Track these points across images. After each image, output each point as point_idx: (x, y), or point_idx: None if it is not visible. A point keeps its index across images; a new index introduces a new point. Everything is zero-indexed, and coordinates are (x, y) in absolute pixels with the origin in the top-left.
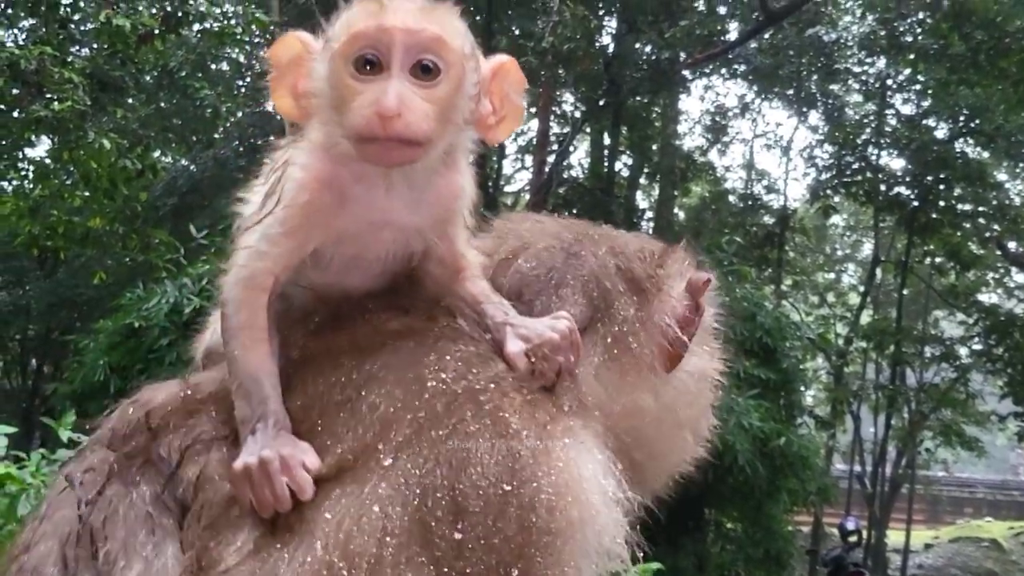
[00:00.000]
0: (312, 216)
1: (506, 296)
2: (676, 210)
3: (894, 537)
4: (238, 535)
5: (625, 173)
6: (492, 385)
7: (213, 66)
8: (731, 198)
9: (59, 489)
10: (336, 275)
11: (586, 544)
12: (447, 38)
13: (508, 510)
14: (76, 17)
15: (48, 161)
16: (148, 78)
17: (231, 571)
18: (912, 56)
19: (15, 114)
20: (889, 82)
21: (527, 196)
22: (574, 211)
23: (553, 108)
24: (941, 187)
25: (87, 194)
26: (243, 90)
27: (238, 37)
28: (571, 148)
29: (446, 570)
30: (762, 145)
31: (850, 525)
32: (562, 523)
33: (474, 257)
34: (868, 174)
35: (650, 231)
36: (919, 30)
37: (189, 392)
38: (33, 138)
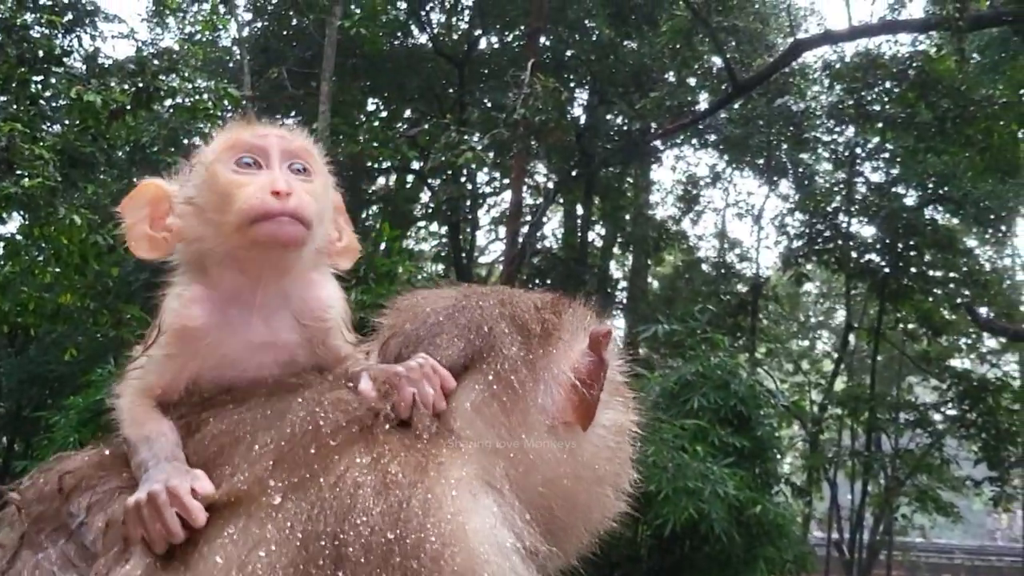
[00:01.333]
0: (188, 339)
1: (388, 360)
2: (649, 279)
3: None
4: (130, 570)
5: (599, 243)
6: (369, 422)
7: (185, 141)
8: (704, 266)
9: None
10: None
11: None
12: (313, 150)
13: (392, 559)
14: (47, 93)
15: (19, 237)
16: (119, 153)
17: None
18: (880, 125)
19: None
20: (858, 150)
21: (500, 267)
22: (548, 281)
23: (526, 179)
24: (911, 254)
25: (58, 270)
26: None
27: (210, 112)
28: (544, 219)
29: None
30: (734, 214)
31: None
32: (447, 573)
33: (353, 351)
34: (839, 241)
35: (624, 300)
36: (886, 99)
37: (103, 454)
38: (3, 215)
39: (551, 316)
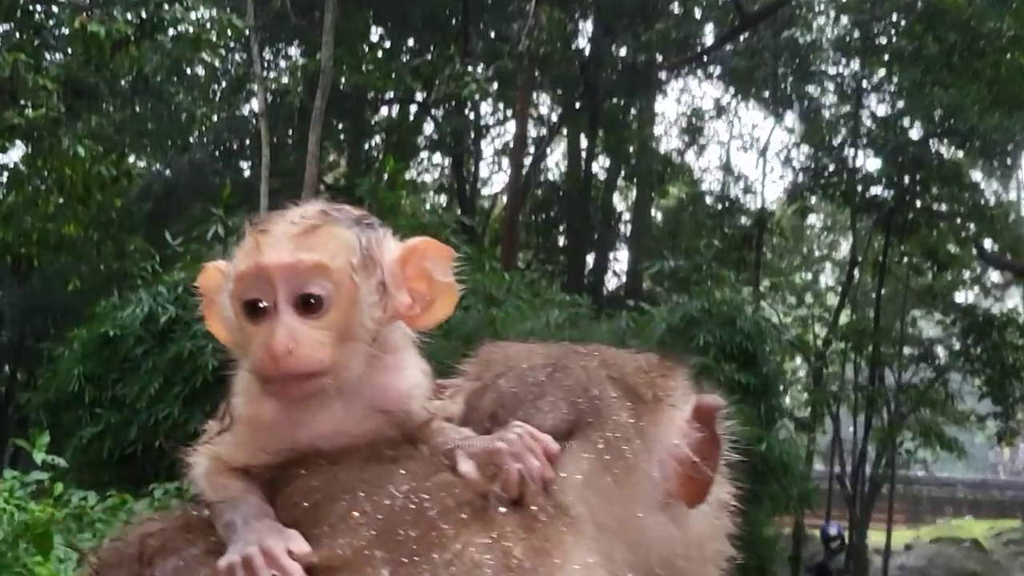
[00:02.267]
0: (260, 430)
1: (481, 420)
2: (653, 212)
3: (875, 538)
4: None
5: (602, 176)
6: (480, 505)
7: (188, 71)
8: (708, 200)
9: None
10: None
11: None
12: (328, 262)
13: None
14: (50, 23)
15: (22, 168)
16: (123, 83)
17: None
18: (886, 57)
19: None
20: (864, 83)
21: (504, 199)
22: (551, 213)
23: (530, 111)
24: (917, 188)
25: (61, 201)
26: (218, 95)
27: (213, 42)
28: (548, 151)
29: None
30: (739, 147)
31: (832, 531)
32: None
33: (437, 415)
34: (844, 175)
35: (627, 233)
36: (893, 32)
37: (189, 516)
38: (6, 145)
39: (661, 380)
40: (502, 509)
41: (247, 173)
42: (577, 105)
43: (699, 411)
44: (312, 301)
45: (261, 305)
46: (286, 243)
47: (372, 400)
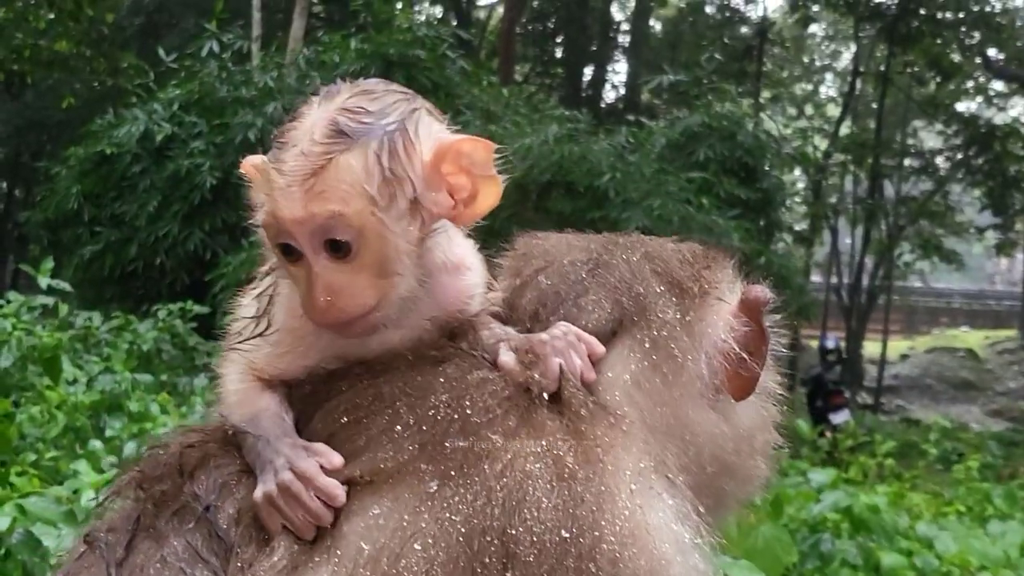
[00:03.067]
0: (303, 338)
1: (522, 319)
2: (652, 22)
3: (870, 348)
4: (274, 554)
5: None
6: (525, 403)
7: None
8: (709, 9)
9: (78, 554)
10: None
11: None
12: (342, 209)
13: (566, 560)
14: None
15: None
16: None
17: None
18: None
19: None
20: None
21: (500, 10)
22: (549, 24)
23: None
24: None
25: (52, 16)
26: None
27: None
28: None
29: None
30: None
31: (830, 344)
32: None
33: (481, 309)
34: None
35: (626, 45)
36: None
37: (226, 430)
38: None
39: (706, 272)
40: (547, 413)
41: None
42: None
43: (746, 304)
44: (339, 246)
45: (293, 246)
46: (298, 191)
47: (428, 312)
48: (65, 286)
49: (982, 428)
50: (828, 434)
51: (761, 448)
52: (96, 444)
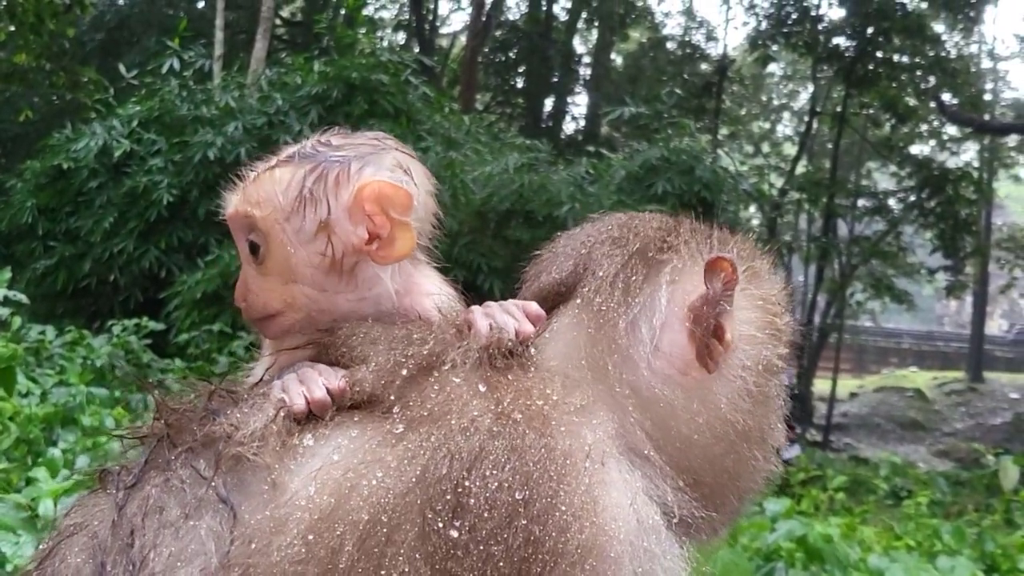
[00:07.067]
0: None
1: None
2: (614, 56)
3: (820, 386)
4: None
5: (563, 17)
6: (475, 357)
7: None
8: (669, 45)
9: (87, 493)
10: None
11: (610, 575)
12: (255, 211)
13: (516, 521)
14: None
15: None
16: None
17: None
18: None
19: None
20: None
21: (463, 39)
22: (511, 54)
23: None
24: (880, 38)
25: (12, 29)
26: None
27: None
28: None
29: (438, 568)
30: None
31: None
32: (572, 546)
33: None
34: (807, 23)
35: (587, 76)
36: None
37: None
38: None
39: (671, 238)
40: (507, 375)
41: (201, 4)
42: None
43: (709, 270)
44: (255, 249)
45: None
46: (239, 193)
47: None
48: (22, 298)
49: (929, 468)
50: (780, 466)
51: (754, 434)
52: (55, 452)
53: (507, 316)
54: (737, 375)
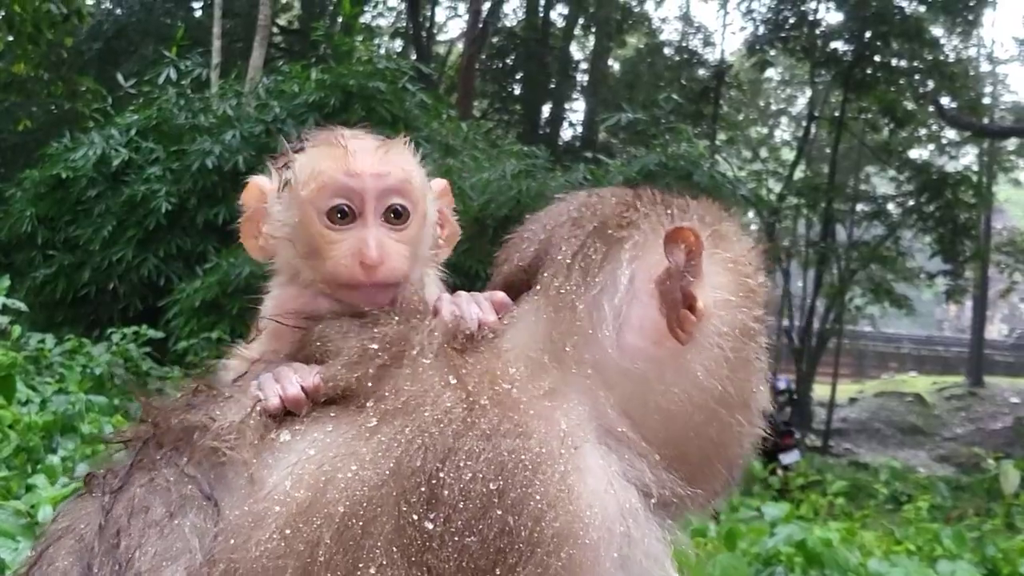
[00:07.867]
0: (283, 338)
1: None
2: (611, 62)
3: (820, 391)
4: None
5: (560, 23)
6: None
7: None
8: (667, 50)
9: (74, 498)
10: None
11: (588, 562)
12: (411, 179)
13: (491, 511)
14: None
15: None
16: None
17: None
18: None
19: None
20: None
21: (460, 46)
22: (508, 61)
23: None
24: (878, 43)
25: (11, 39)
26: None
27: None
28: None
29: (414, 559)
30: None
31: (781, 385)
32: (548, 535)
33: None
34: (805, 28)
35: (584, 83)
36: None
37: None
38: None
39: (631, 213)
40: (476, 364)
41: (199, 13)
42: None
43: (665, 238)
44: (399, 213)
45: (345, 213)
46: (376, 154)
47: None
48: (21, 306)
49: (929, 472)
50: (779, 471)
51: (735, 400)
52: (54, 459)
53: (472, 305)
54: (713, 342)
